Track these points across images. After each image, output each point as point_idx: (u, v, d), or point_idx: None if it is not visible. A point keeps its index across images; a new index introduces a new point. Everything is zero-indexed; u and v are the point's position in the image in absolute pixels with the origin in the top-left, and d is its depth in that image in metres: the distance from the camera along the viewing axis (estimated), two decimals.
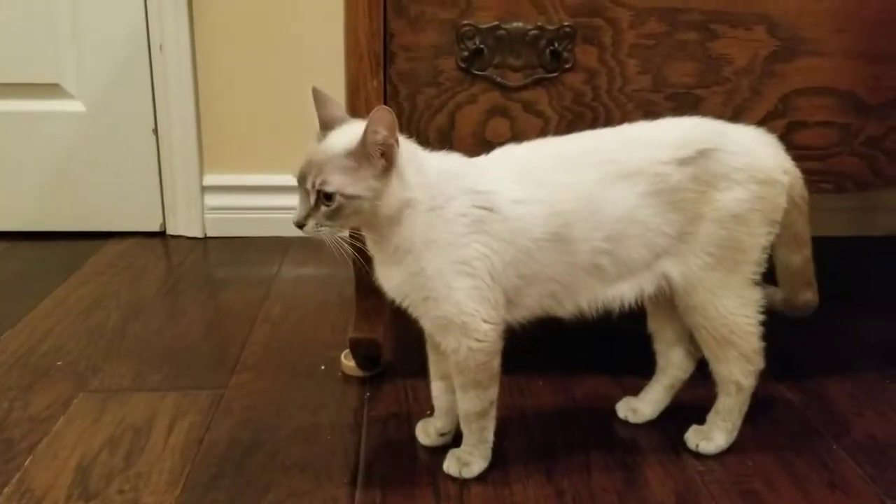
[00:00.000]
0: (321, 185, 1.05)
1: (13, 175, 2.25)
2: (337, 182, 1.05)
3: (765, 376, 1.37)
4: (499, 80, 1.37)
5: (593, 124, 1.38)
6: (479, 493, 1.20)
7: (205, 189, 2.30)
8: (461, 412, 1.22)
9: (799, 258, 1.28)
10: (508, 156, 1.20)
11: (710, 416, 1.30)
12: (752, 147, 1.21)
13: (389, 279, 1.16)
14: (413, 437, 1.32)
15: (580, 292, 1.20)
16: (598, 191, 1.15)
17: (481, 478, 1.23)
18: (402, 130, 1.39)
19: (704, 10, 1.34)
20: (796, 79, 1.37)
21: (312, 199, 1.07)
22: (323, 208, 1.06)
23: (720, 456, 1.27)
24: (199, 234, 2.32)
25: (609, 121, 1.38)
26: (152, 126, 2.24)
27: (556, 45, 1.35)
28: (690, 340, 1.30)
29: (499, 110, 1.38)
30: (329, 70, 2.12)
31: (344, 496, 1.18)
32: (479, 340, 1.14)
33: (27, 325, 1.73)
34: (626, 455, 1.28)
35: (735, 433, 1.29)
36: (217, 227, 2.31)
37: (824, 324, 1.72)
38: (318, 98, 1.13)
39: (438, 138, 1.38)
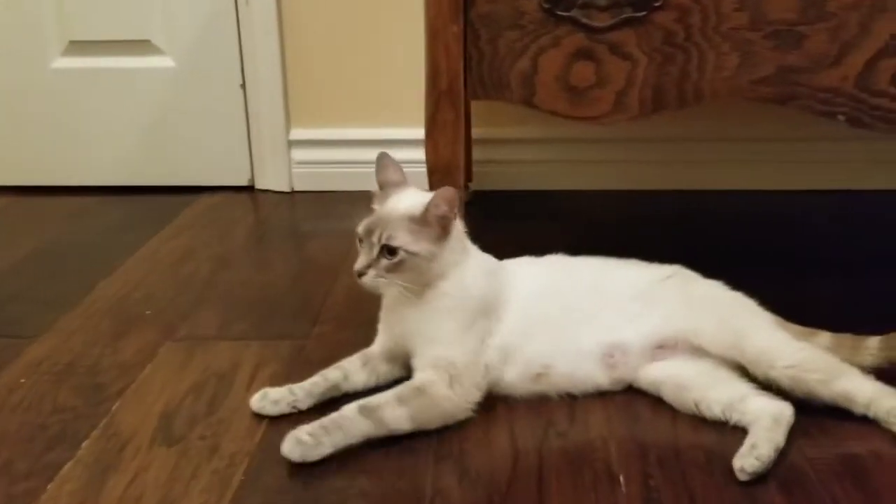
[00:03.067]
0: (388, 239, 1.18)
1: (107, 131, 2.31)
2: (402, 239, 1.18)
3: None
4: (584, 21, 1.30)
5: (685, 66, 1.30)
6: (558, 447, 1.17)
7: (291, 143, 2.31)
8: (374, 407, 1.15)
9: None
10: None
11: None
12: None
13: (403, 321, 1.26)
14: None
15: None
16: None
17: (561, 432, 1.20)
18: (483, 77, 1.36)
19: None
20: None
21: (375, 251, 1.19)
22: (384, 261, 1.19)
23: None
24: (287, 189, 2.33)
25: (702, 63, 1.30)
26: (240, 81, 2.26)
27: None
28: None
29: (584, 53, 1.32)
30: (413, 20, 2.10)
31: (423, 448, 1.17)
32: (455, 394, 1.19)
33: (120, 276, 1.77)
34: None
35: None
36: (304, 182, 2.32)
37: None
38: (381, 162, 1.30)
39: (521, 83, 1.34)
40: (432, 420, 1.19)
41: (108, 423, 1.24)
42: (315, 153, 2.31)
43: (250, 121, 2.29)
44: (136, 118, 2.30)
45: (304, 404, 1.26)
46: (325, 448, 1.12)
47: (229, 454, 1.16)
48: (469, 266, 1.25)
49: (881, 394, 1.17)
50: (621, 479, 1.10)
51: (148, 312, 1.60)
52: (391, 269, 1.19)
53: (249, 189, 2.35)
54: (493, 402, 1.27)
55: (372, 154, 2.28)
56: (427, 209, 1.19)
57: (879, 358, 1.23)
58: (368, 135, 2.27)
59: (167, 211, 2.17)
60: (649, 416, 1.24)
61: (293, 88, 2.27)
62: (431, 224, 1.19)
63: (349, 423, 1.13)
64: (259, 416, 1.25)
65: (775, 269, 1.71)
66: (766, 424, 1.12)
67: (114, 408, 1.28)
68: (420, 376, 1.21)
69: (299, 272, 1.81)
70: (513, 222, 2.03)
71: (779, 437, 1.11)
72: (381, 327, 1.33)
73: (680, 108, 1.33)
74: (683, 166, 2.23)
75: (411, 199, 1.23)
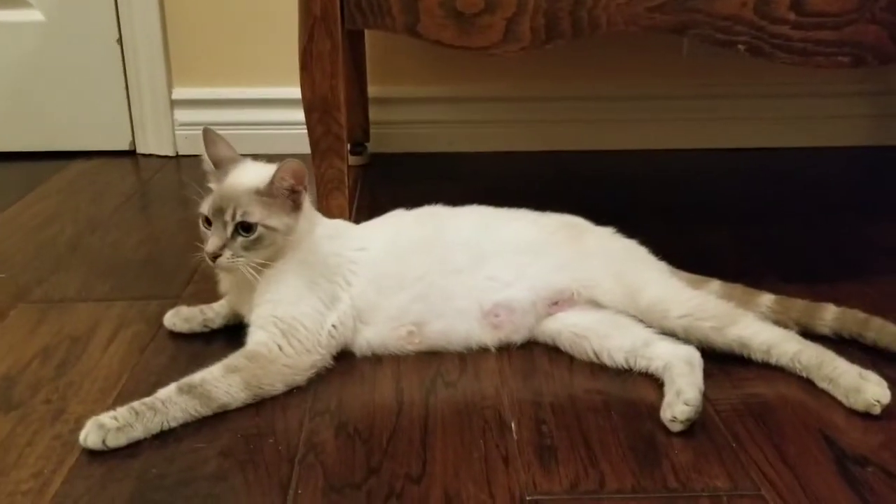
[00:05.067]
0: (243, 216, 1.09)
1: None
2: (258, 214, 1.10)
3: (776, 280, 1.28)
4: None
5: None
6: (447, 397, 1.07)
7: (174, 103, 2.15)
8: (197, 383, 1.03)
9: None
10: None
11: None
12: None
13: (243, 292, 1.17)
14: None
15: None
16: None
17: (450, 382, 1.10)
18: (361, 1, 1.25)
19: None
20: None
21: (230, 230, 1.10)
22: (240, 239, 1.10)
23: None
24: (171, 153, 2.18)
25: None
26: (116, 36, 2.09)
27: None
28: None
29: None
30: None
31: (297, 405, 1.06)
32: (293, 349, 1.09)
33: None
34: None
35: None
36: (190, 145, 2.16)
37: (837, 231, 1.64)
38: (209, 138, 1.18)
39: (403, 9, 1.23)
40: (272, 382, 1.07)
41: None
42: (200, 114, 2.15)
43: (129, 80, 2.13)
44: (1, 78, 2.10)
45: (216, 323, 1.24)
46: (135, 432, 0.97)
47: (76, 418, 1.03)
48: (313, 232, 1.18)
49: (782, 338, 1.11)
50: (513, 426, 1.01)
51: (1, 276, 1.44)
52: (248, 247, 1.10)
53: (131, 154, 2.19)
54: (379, 356, 1.17)
55: (261, 115, 2.19)
56: (272, 182, 1.10)
57: (768, 317, 1.18)
58: (257, 94, 2.14)
59: (36, 177, 1.99)
60: (546, 364, 1.16)
61: (174, 44, 2.12)
62: (281, 196, 1.12)
63: (166, 404, 1.00)
64: (114, 378, 1.12)
65: (673, 220, 1.67)
66: (682, 370, 1.05)
67: None
68: (250, 341, 1.11)
69: (176, 234, 1.66)
70: (413, 185, 1.93)
71: (699, 380, 1.04)
72: (225, 300, 1.25)
73: (575, 38, 1.25)
74: (584, 126, 2.16)
75: (255, 172, 1.14)
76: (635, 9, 1.23)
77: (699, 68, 2.12)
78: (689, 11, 1.23)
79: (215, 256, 1.10)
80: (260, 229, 1.10)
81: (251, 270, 1.11)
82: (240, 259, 1.10)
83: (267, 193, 1.11)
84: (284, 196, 1.12)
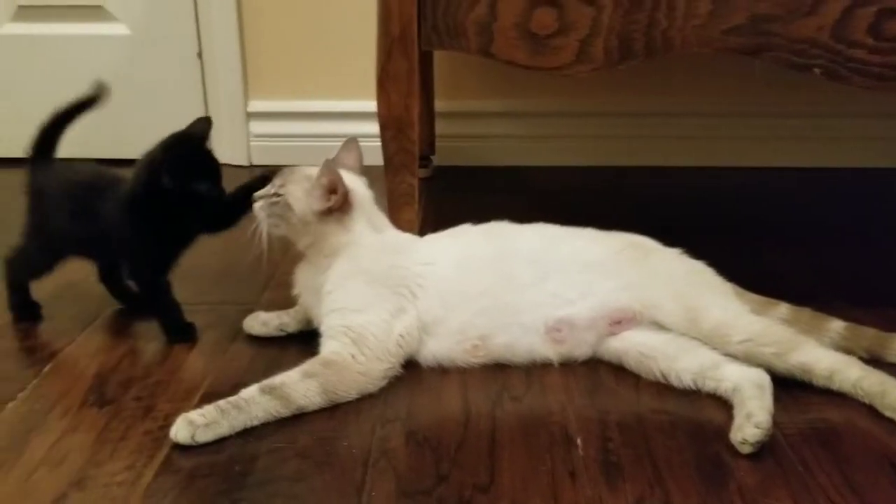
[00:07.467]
0: (279, 186, 1.24)
1: (57, 101, 2.19)
2: (289, 188, 1.23)
3: (843, 304, 1.27)
4: None
5: (654, 13, 1.24)
6: (513, 411, 1.11)
7: (250, 115, 2.23)
8: (277, 385, 1.08)
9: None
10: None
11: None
12: None
13: (309, 293, 1.26)
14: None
15: None
16: None
17: (516, 396, 1.13)
18: (437, 24, 1.29)
19: None
20: None
21: (272, 191, 1.24)
22: (273, 198, 1.23)
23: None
24: (245, 163, 2.25)
25: (672, 9, 1.24)
26: (197, 49, 2.17)
27: None
28: None
29: None
30: None
31: (369, 410, 1.10)
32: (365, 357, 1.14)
33: None
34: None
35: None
36: (263, 156, 2.24)
37: None
38: (345, 145, 1.33)
39: (478, 31, 1.26)
40: (347, 389, 1.12)
41: (37, 384, 1.17)
42: (274, 126, 2.23)
43: (207, 92, 2.21)
44: (87, 88, 2.20)
45: (291, 327, 1.30)
46: (221, 429, 1.03)
47: (164, 415, 1.09)
48: (368, 244, 1.23)
49: (844, 364, 1.11)
50: (579, 442, 1.03)
51: (91, 279, 1.52)
52: (270, 208, 1.23)
53: None
54: (445, 368, 1.21)
55: (333, 127, 2.24)
56: (315, 180, 1.21)
57: (838, 344, 1.18)
58: (330, 107, 2.20)
59: None
60: (612, 382, 1.18)
61: (251, 58, 2.19)
62: (317, 195, 1.21)
63: (249, 404, 1.05)
64: (198, 379, 1.18)
65: (740, 240, 1.67)
66: (752, 392, 1.06)
67: (45, 369, 1.21)
68: (324, 349, 1.16)
69: (251, 243, 1.72)
70: (476, 198, 1.97)
71: (769, 403, 1.05)
72: (299, 304, 1.31)
73: (647, 59, 1.27)
74: (649, 142, 2.17)
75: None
76: (710, 31, 1.25)
77: (766, 86, 2.11)
78: (765, 34, 1.24)
79: (255, 200, 1.25)
80: (281, 198, 1.22)
81: (263, 231, 1.23)
82: (262, 213, 1.23)
83: (312, 185, 1.21)
84: (321, 197, 1.20)
